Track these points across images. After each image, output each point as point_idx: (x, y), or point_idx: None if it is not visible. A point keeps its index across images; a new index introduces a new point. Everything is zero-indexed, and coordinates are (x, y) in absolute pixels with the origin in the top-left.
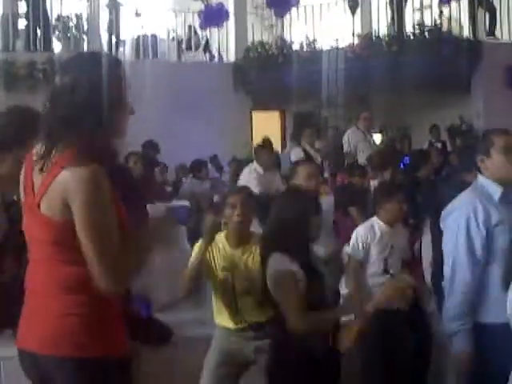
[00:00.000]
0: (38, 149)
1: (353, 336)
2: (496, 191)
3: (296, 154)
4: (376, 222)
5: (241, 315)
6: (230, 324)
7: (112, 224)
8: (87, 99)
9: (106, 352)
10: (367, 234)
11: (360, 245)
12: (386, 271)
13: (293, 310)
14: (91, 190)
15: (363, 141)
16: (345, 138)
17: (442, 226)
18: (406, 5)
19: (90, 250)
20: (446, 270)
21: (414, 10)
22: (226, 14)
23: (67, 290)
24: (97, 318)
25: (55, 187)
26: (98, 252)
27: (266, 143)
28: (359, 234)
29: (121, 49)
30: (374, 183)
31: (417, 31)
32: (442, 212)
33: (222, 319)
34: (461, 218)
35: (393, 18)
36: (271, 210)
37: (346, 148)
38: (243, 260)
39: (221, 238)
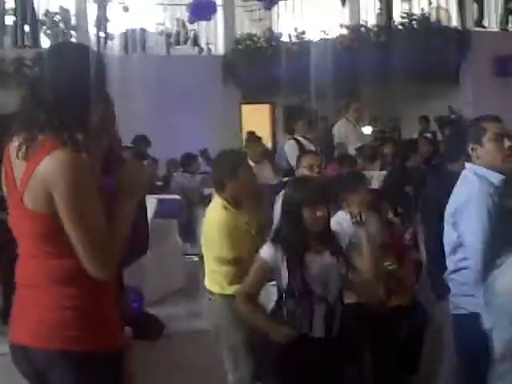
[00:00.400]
0: (17, 140)
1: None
2: (496, 178)
3: (289, 145)
4: (342, 216)
5: None
6: None
7: (96, 208)
8: (67, 87)
9: (98, 345)
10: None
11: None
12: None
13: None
14: (72, 175)
15: (353, 132)
16: (335, 130)
17: (452, 219)
18: None
19: (76, 237)
20: (476, 263)
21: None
22: (214, 6)
23: (58, 283)
24: (88, 311)
25: (37, 177)
26: (84, 238)
27: (251, 137)
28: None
29: (109, 43)
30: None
31: (405, 21)
32: (451, 206)
33: None
34: (482, 209)
35: (381, 9)
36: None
37: (336, 139)
38: None
39: None
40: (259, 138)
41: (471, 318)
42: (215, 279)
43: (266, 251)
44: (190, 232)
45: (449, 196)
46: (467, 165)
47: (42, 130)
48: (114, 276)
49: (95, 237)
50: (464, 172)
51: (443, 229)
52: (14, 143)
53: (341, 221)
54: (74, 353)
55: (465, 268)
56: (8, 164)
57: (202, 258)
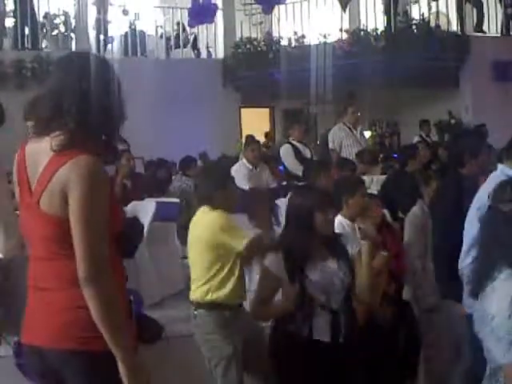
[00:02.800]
0: (34, 143)
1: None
2: None
3: (284, 150)
4: (342, 220)
5: None
6: None
7: (103, 220)
8: (95, 97)
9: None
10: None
11: None
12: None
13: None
14: (90, 181)
15: (348, 136)
16: (329, 136)
17: (476, 216)
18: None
19: (77, 241)
20: None
21: (402, 4)
22: (215, 8)
23: (71, 285)
24: None
25: (57, 181)
26: (84, 240)
27: (249, 141)
28: None
29: (109, 46)
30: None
31: (405, 26)
32: (476, 203)
33: None
34: None
35: (382, 13)
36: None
37: (330, 145)
38: None
39: None
40: (258, 142)
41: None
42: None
43: (270, 259)
44: (188, 235)
45: (463, 199)
46: (500, 166)
47: (67, 136)
48: (97, 295)
49: (94, 244)
50: (495, 173)
51: (454, 231)
52: (30, 144)
53: (343, 225)
54: (87, 352)
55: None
56: (22, 167)
57: None
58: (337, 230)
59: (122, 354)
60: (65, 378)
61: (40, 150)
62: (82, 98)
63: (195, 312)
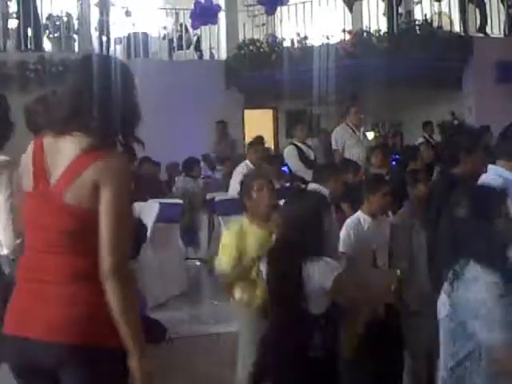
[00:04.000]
0: (53, 137)
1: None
2: None
3: (288, 151)
4: (361, 215)
5: None
6: None
7: (131, 217)
8: (124, 99)
9: (114, 340)
10: (355, 228)
11: (349, 238)
12: (374, 264)
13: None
14: (125, 179)
15: (351, 137)
16: (332, 136)
17: None
18: (400, 1)
19: (107, 231)
20: None
21: (405, 5)
22: (218, 8)
23: (76, 279)
24: (106, 307)
25: (87, 175)
26: (114, 233)
27: (258, 140)
28: (348, 227)
29: (111, 48)
30: None
31: (407, 27)
32: None
33: None
34: None
35: (384, 14)
36: None
37: (333, 146)
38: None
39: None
40: (261, 143)
41: None
42: None
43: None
44: (191, 236)
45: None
46: (491, 167)
47: (103, 136)
48: (120, 287)
49: (122, 241)
50: (487, 174)
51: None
52: (48, 139)
53: (359, 217)
54: (86, 347)
55: None
56: (39, 159)
57: (204, 262)
58: (353, 224)
59: (139, 349)
60: (63, 372)
61: (60, 150)
62: (102, 99)
63: None
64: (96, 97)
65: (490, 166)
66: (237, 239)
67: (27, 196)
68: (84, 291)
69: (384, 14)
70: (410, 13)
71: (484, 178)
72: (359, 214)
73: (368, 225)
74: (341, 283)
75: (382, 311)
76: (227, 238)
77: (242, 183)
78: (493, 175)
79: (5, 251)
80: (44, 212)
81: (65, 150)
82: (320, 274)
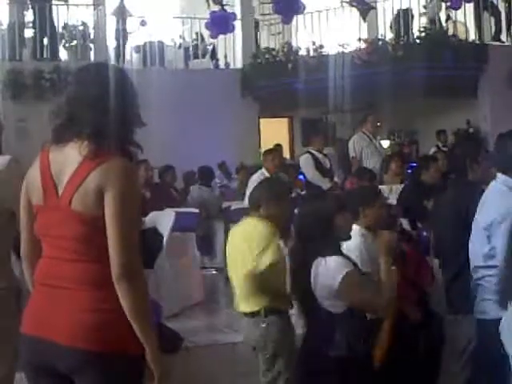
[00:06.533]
0: (58, 149)
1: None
2: None
3: (304, 159)
4: (360, 231)
5: None
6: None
7: (138, 218)
8: (120, 105)
9: (134, 347)
10: (361, 244)
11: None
12: None
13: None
14: (128, 181)
15: (369, 145)
16: (350, 144)
17: (487, 232)
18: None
19: (114, 234)
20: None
21: (420, 14)
22: (233, 17)
23: (94, 286)
24: (123, 313)
25: (91, 180)
26: (121, 236)
27: (274, 149)
28: (356, 247)
29: (128, 57)
30: (382, 188)
31: (423, 35)
32: (486, 218)
33: None
34: None
35: (399, 23)
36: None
37: (351, 154)
38: None
39: None
40: (278, 151)
41: (495, 323)
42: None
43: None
44: (208, 245)
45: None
46: (502, 177)
47: (98, 142)
48: (132, 290)
49: (130, 243)
50: (497, 185)
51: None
52: (52, 150)
53: (358, 233)
54: (104, 354)
55: (495, 275)
56: (47, 175)
57: (220, 271)
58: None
59: (153, 349)
60: (80, 378)
61: (65, 158)
62: (94, 105)
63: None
64: (92, 103)
65: (499, 176)
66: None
67: (37, 209)
68: (101, 297)
69: (391, 27)
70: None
71: (497, 189)
72: (356, 228)
73: (363, 238)
74: (348, 283)
75: (417, 315)
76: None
77: (261, 187)
78: (504, 186)
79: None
80: (55, 222)
81: (69, 158)
82: (328, 272)
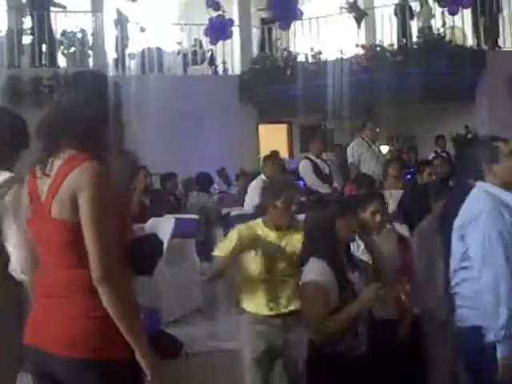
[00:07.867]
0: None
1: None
2: (507, 196)
3: (303, 165)
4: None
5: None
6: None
7: (112, 221)
8: (94, 111)
9: (123, 354)
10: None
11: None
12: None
13: (312, 319)
14: (99, 184)
15: (367, 151)
16: (349, 150)
17: (459, 232)
18: (412, 16)
19: (90, 238)
20: (486, 279)
21: (418, 19)
22: (231, 23)
23: (84, 293)
24: (113, 320)
25: (66, 186)
26: (96, 239)
27: (273, 155)
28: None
29: (126, 63)
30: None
31: (421, 41)
32: (459, 220)
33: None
34: (489, 225)
35: (398, 29)
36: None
37: (349, 159)
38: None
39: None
40: (277, 157)
41: (474, 331)
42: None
43: (315, 271)
44: (207, 251)
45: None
46: (480, 183)
47: (72, 148)
48: (114, 292)
49: (105, 245)
50: (475, 190)
51: None
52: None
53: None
54: (97, 362)
55: (469, 280)
56: (32, 184)
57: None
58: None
59: (142, 350)
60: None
61: (49, 167)
62: (70, 112)
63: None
64: (66, 111)
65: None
66: (245, 233)
67: (28, 223)
68: (92, 305)
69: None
70: (424, 27)
71: (479, 196)
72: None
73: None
74: (303, 290)
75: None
76: (237, 229)
77: (267, 188)
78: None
79: (17, 268)
80: (43, 230)
81: (53, 166)
82: (305, 272)
